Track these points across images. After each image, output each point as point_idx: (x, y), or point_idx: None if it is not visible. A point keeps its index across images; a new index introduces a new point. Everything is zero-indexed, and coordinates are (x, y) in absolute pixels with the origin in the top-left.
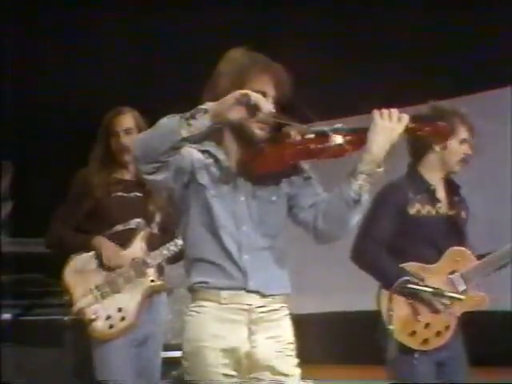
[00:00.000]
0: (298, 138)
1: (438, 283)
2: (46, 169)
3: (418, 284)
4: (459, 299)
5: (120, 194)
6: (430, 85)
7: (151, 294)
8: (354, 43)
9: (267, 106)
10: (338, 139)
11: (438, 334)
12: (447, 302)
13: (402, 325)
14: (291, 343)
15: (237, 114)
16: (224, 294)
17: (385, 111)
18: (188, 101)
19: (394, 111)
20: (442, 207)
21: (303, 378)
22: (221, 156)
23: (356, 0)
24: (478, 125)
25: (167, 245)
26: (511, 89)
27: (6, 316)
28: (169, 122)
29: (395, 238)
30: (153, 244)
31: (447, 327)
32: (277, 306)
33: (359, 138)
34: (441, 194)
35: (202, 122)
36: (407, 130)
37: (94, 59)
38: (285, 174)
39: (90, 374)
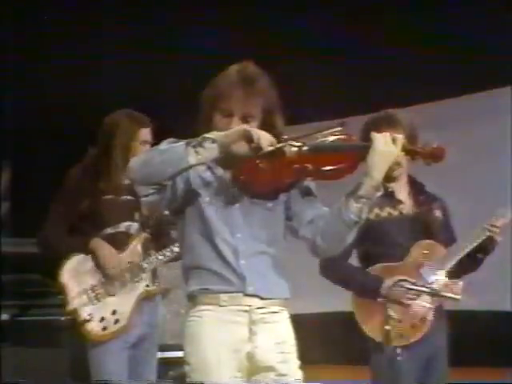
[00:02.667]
0: (295, 152)
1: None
2: (46, 169)
3: (415, 284)
4: (455, 299)
5: (112, 196)
6: (430, 85)
7: (145, 298)
8: (354, 43)
9: (267, 142)
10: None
11: (414, 326)
12: (413, 296)
13: (377, 324)
14: (292, 345)
15: (241, 149)
16: (223, 296)
17: (380, 135)
18: (188, 103)
19: (387, 134)
20: (406, 207)
21: (305, 379)
22: (213, 165)
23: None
24: (478, 125)
25: (163, 251)
26: (511, 89)
27: (5, 316)
28: (174, 148)
29: (361, 245)
30: (148, 248)
31: (422, 319)
32: (276, 308)
33: (355, 159)
34: (402, 195)
35: (210, 151)
36: (407, 152)
37: (94, 60)
38: (283, 187)
39: (86, 375)
